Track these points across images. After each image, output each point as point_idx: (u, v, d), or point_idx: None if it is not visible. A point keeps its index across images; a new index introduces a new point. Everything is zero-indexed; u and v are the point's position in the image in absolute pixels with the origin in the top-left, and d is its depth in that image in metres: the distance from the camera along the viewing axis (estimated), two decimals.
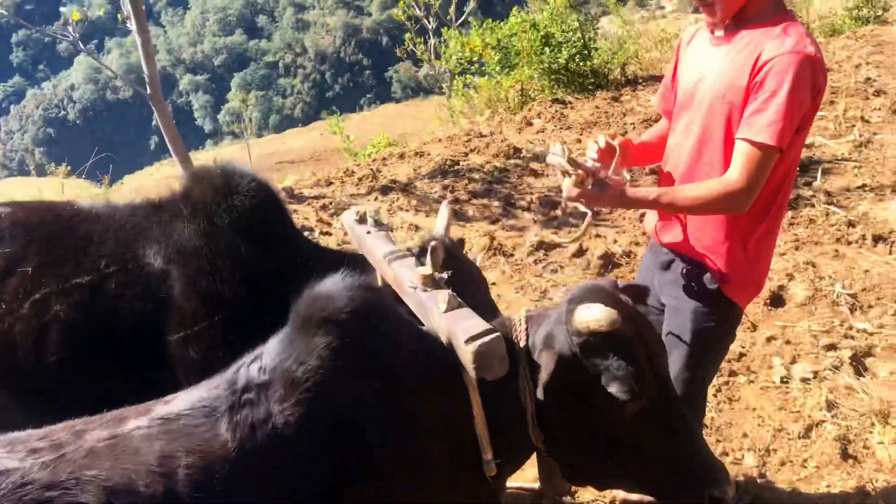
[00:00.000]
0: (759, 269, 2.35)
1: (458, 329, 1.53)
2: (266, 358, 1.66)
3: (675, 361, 2.38)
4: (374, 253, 2.16)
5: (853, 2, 12.54)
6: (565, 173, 2.17)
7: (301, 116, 56.62)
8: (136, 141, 59.31)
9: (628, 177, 2.37)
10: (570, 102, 9.14)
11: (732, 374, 3.81)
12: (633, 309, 1.62)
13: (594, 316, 1.46)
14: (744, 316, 4.39)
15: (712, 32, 2.22)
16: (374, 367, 1.61)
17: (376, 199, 6.44)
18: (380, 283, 2.32)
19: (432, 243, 2.20)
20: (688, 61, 2.34)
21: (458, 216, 5.87)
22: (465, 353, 1.49)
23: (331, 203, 6.37)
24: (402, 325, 1.70)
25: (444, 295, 1.63)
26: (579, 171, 2.14)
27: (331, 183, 6.98)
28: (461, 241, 2.61)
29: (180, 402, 1.63)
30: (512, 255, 5.26)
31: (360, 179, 6.93)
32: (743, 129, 2.02)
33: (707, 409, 3.57)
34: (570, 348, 1.54)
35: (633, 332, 1.53)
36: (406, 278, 1.87)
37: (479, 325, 1.53)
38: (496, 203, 6.19)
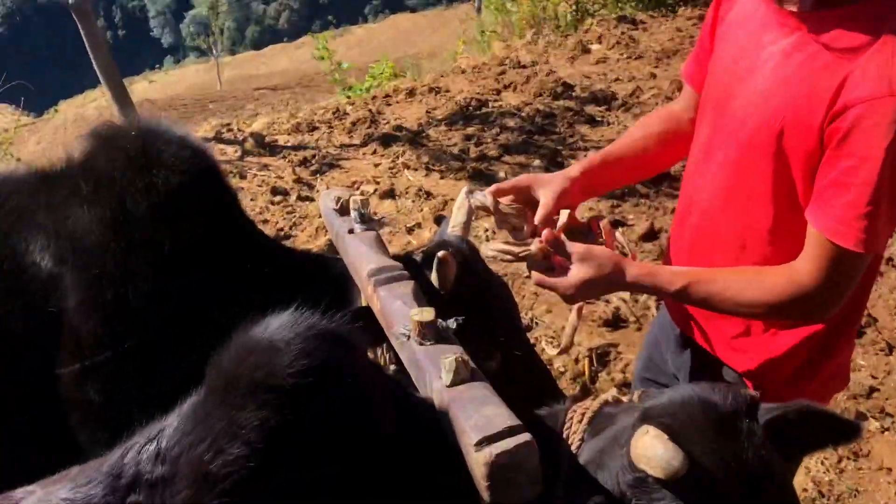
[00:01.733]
0: (824, 374, 1.98)
1: (468, 422, 1.25)
2: (167, 438, 1.39)
3: None
4: (358, 267, 1.92)
5: None
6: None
7: (288, 28, 56.32)
8: (75, 57, 59.37)
9: (624, 241, 2.00)
10: (642, 22, 8.86)
11: (860, 416, 3.58)
12: (751, 453, 1.29)
13: (650, 454, 1.21)
14: (876, 333, 4.18)
15: (778, 3, 1.72)
16: (332, 459, 1.35)
17: (375, 152, 6.19)
18: (363, 303, 2.08)
19: (440, 253, 1.96)
20: (732, 34, 1.86)
21: (485, 180, 5.59)
22: (476, 463, 1.22)
23: (314, 157, 6.16)
24: (380, 395, 1.43)
25: (449, 359, 1.34)
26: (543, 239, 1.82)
27: (315, 128, 6.75)
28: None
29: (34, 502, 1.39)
30: None
31: (353, 124, 6.71)
32: (816, 210, 1.63)
33: (824, 469, 3.35)
34: (618, 482, 1.29)
35: (721, 486, 1.25)
36: (397, 317, 1.60)
37: (501, 416, 1.25)
38: (537, 162, 5.93)
